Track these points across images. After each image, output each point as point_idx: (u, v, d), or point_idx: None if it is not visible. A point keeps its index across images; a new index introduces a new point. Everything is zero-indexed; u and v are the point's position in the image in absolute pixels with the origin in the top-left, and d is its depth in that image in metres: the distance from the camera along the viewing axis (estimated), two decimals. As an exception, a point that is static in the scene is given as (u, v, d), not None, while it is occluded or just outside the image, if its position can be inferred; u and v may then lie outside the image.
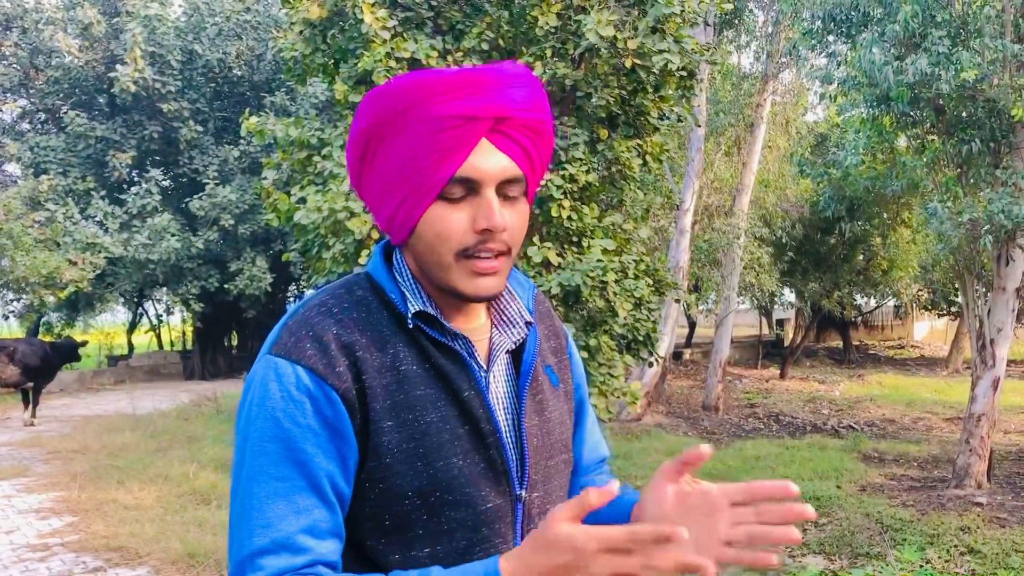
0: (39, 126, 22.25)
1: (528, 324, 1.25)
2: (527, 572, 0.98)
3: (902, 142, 11.85)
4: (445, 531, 1.12)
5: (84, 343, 15.45)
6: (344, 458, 1.09)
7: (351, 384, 1.10)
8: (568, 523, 0.97)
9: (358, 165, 1.19)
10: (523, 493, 1.18)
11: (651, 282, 8.38)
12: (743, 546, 1.03)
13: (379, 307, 1.17)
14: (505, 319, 1.25)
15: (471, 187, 1.11)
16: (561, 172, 7.68)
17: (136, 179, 21.30)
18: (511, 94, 1.13)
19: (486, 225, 1.11)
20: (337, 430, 1.08)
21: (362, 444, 1.10)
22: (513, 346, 1.23)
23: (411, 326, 1.15)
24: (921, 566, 7.40)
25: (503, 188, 1.14)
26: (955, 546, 8.06)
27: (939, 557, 7.82)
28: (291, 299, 26.51)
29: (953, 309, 25.65)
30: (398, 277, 1.20)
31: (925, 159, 10.52)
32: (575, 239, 8.01)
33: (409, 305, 1.16)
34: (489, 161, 1.11)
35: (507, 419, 1.19)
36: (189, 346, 26.09)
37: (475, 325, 1.23)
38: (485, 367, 1.20)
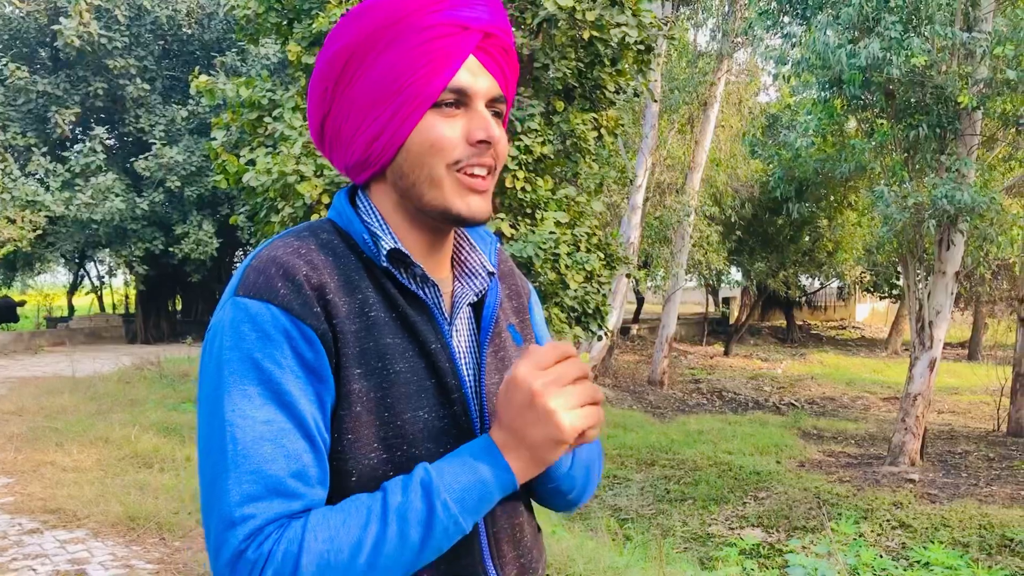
0: (-23, 78, 21.54)
1: (491, 275, 1.22)
2: (508, 430, 1.03)
3: (852, 125, 12.04)
4: None
5: (22, 303, 15.06)
6: (324, 403, 1.04)
7: (327, 326, 1.05)
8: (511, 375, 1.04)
9: (331, 92, 1.14)
10: None
11: (602, 256, 8.42)
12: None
13: (346, 251, 1.12)
14: (467, 271, 1.22)
15: (463, 100, 1.10)
16: (516, 143, 7.65)
17: (80, 137, 20.76)
18: (493, 11, 1.13)
19: (483, 136, 1.09)
20: (317, 372, 1.03)
21: (336, 390, 1.06)
22: (475, 298, 1.21)
23: (384, 264, 1.11)
24: (855, 539, 7.61)
25: (488, 107, 1.13)
26: (888, 520, 8.30)
27: (872, 531, 8.05)
28: (238, 264, 26.13)
29: (894, 292, 26.26)
30: (366, 219, 1.15)
31: (874, 142, 10.70)
32: (528, 211, 8.00)
33: (382, 243, 1.11)
34: (479, 76, 1.11)
35: (470, 375, 1.17)
36: (132, 309, 25.62)
37: (440, 277, 1.19)
38: (448, 320, 1.17)
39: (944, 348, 11.26)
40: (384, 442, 1.07)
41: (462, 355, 1.17)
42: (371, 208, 1.16)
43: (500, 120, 1.16)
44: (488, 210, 1.14)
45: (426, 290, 1.14)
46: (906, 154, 10.52)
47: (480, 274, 1.22)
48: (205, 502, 1.02)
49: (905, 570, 6.76)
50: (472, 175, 1.11)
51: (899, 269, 17.48)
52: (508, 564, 1.16)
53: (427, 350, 1.11)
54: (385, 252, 1.11)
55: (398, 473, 1.06)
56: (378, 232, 1.13)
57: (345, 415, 1.06)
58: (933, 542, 7.56)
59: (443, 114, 1.09)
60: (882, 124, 10.67)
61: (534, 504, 1.30)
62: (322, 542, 0.96)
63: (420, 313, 1.13)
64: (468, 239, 1.24)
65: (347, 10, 7.18)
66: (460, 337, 1.18)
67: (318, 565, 0.95)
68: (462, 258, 1.23)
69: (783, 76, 11.14)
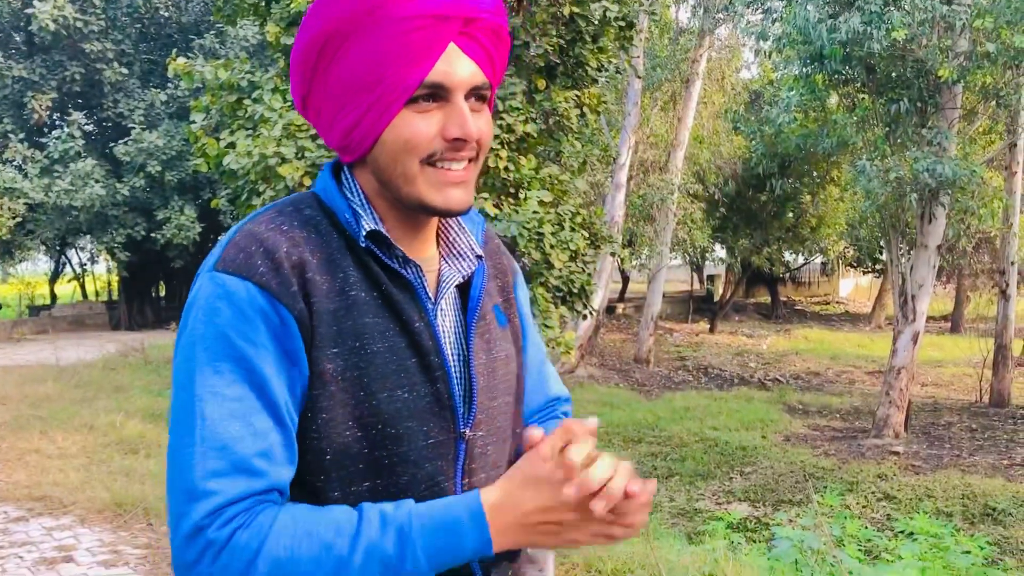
0: (-49, 64, 21.23)
1: (478, 258, 1.21)
2: (513, 509, 1.01)
3: (833, 100, 12.05)
4: (386, 466, 1.08)
5: None
6: (294, 386, 1.03)
7: (303, 306, 1.03)
8: (551, 459, 0.99)
9: (309, 74, 1.11)
10: (467, 431, 1.15)
11: (587, 235, 8.39)
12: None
13: (329, 228, 1.10)
14: (455, 252, 1.21)
15: (440, 93, 1.07)
16: (499, 122, 7.60)
17: (57, 122, 20.54)
18: None
19: (459, 133, 1.06)
20: (290, 355, 1.03)
21: (309, 369, 1.05)
22: (462, 279, 1.19)
23: (363, 245, 1.09)
24: (840, 511, 7.68)
25: (470, 95, 1.09)
26: (872, 492, 8.39)
27: (857, 503, 8.13)
28: (221, 249, 25.97)
29: (877, 267, 26.40)
30: (349, 196, 1.13)
31: (855, 117, 10.71)
32: (512, 190, 7.97)
33: (363, 224, 1.10)
34: (459, 66, 1.07)
35: (454, 355, 1.16)
36: (115, 296, 25.46)
37: (424, 256, 1.18)
38: (433, 300, 1.16)
39: (927, 321, 11.34)
40: (359, 421, 1.06)
41: (447, 335, 1.16)
42: (355, 187, 1.14)
43: (485, 103, 1.12)
44: (468, 200, 1.11)
45: (408, 270, 1.13)
46: (887, 128, 10.54)
47: (468, 256, 1.21)
48: (169, 474, 1.01)
49: (890, 540, 6.83)
50: (448, 169, 1.08)
51: (882, 243, 17.57)
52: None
53: (409, 328, 1.10)
54: (365, 233, 1.09)
55: (372, 451, 1.06)
56: (359, 211, 1.12)
57: (319, 394, 1.05)
58: (917, 512, 7.63)
59: (419, 109, 1.06)
60: (863, 99, 10.69)
61: None
62: (282, 548, 0.96)
63: (403, 292, 1.12)
64: (457, 220, 1.22)
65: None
66: (445, 317, 1.17)
67: (270, 570, 0.95)
68: (450, 239, 1.22)
69: (765, 52, 11.15)
